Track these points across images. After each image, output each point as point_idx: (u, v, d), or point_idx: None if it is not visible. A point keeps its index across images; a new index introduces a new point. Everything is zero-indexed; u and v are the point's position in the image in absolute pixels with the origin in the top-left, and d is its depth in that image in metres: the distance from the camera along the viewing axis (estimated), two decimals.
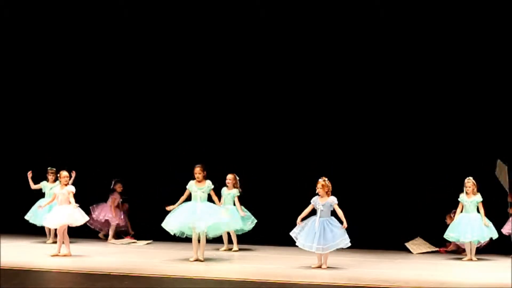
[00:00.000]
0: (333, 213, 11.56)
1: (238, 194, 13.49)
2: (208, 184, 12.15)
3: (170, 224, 12.11)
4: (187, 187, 12.17)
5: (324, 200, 11.49)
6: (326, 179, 11.57)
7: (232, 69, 15.29)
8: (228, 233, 13.51)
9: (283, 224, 14.18)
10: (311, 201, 11.64)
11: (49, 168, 14.60)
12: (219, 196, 13.35)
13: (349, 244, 11.43)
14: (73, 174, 13.69)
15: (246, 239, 13.90)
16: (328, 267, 11.44)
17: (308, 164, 14.66)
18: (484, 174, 12.65)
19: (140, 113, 15.80)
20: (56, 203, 12.78)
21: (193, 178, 12.23)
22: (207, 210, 12.04)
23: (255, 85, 15.17)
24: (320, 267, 11.47)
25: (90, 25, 15.86)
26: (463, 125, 14.10)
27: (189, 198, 12.27)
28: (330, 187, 11.54)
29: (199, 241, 12.12)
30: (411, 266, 11.80)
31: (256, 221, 13.63)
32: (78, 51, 16.02)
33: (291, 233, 11.65)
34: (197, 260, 12.04)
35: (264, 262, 12.45)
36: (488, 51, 13.94)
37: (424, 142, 14.33)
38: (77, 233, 14.33)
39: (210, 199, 12.25)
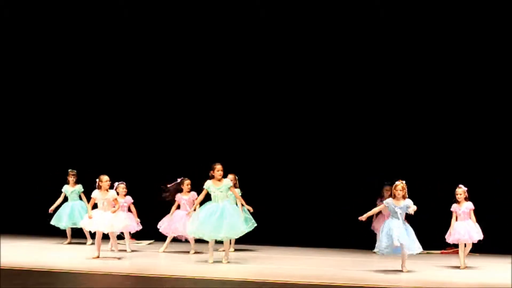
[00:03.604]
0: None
1: (240, 194, 13.40)
2: (226, 182, 11.98)
3: (196, 233, 12.08)
4: (204, 187, 11.95)
5: (400, 203, 11.32)
6: (404, 181, 11.39)
7: (232, 69, 15.30)
8: None
9: (284, 224, 14.23)
10: (385, 203, 11.47)
11: (70, 170, 14.38)
12: None
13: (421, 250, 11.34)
14: None
15: (247, 239, 13.86)
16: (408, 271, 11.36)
17: (310, 164, 14.69)
18: (478, 180, 12.66)
19: (141, 114, 15.78)
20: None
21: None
22: (228, 221, 11.82)
23: (255, 85, 15.17)
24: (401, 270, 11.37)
25: (90, 25, 15.87)
26: (462, 129, 14.16)
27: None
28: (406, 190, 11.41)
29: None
30: (411, 266, 11.80)
31: (256, 225, 13.55)
32: (78, 52, 16.03)
33: (380, 252, 11.41)
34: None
35: (265, 262, 12.45)
36: (482, 56, 14.01)
37: (426, 143, 14.36)
38: (78, 234, 14.41)
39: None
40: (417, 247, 11.29)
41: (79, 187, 14.36)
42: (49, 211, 14.32)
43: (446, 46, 14.22)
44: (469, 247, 11.95)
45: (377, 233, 13.26)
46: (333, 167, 14.58)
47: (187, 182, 13.34)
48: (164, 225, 13.42)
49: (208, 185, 11.93)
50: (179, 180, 13.37)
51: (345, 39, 14.70)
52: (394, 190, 11.38)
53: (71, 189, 14.35)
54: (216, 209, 11.85)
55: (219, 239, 12.00)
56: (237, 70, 15.29)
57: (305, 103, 14.96)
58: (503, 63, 13.94)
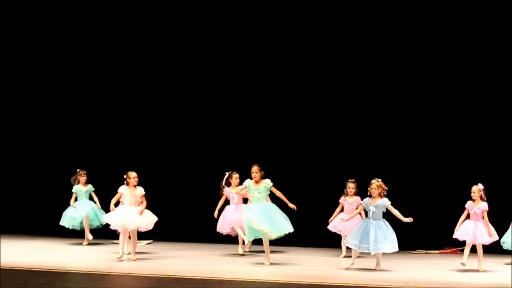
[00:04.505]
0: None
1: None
2: (265, 183, 11.70)
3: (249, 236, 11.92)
4: (245, 183, 11.81)
5: (376, 202, 11.28)
6: (380, 180, 11.34)
7: (232, 68, 15.28)
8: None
9: None
10: (362, 202, 11.52)
11: (79, 170, 14.21)
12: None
13: (397, 249, 11.24)
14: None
15: None
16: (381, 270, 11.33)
17: (310, 164, 14.68)
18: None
19: (152, 112, 15.71)
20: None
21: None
22: (279, 216, 11.71)
23: (256, 85, 15.15)
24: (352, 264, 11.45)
25: (92, 25, 15.88)
26: (462, 129, 14.15)
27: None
28: (384, 188, 11.30)
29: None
30: (411, 266, 11.81)
31: None
32: (78, 52, 16.04)
33: (348, 244, 11.43)
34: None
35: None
36: (482, 57, 13.99)
37: (426, 144, 14.35)
38: (81, 235, 14.42)
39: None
40: (390, 247, 11.17)
41: (90, 187, 14.28)
42: (76, 206, 14.00)
43: (446, 46, 14.20)
44: (480, 248, 11.54)
45: (339, 233, 13.09)
46: (333, 167, 14.56)
47: (235, 176, 13.07)
48: (220, 225, 13.12)
49: (248, 183, 11.76)
50: (227, 174, 13.16)
51: (345, 39, 14.68)
52: (369, 189, 11.34)
53: (84, 189, 14.21)
54: (261, 208, 11.64)
55: (281, 234, 11.70)
56: (237, 69, 15.27)
57: (305, 103, 14.93)
58: (504, 64, 13.93)
